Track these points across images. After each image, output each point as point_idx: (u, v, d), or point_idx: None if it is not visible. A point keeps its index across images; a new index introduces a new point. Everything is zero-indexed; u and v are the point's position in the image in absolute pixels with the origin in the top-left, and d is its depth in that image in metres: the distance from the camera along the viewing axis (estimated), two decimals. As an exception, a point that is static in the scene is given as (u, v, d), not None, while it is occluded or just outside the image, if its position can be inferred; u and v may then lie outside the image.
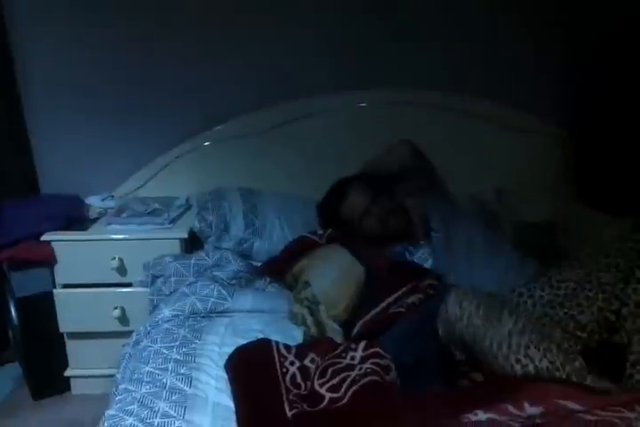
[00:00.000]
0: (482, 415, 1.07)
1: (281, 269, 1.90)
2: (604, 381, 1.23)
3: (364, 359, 1.33)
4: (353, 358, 1.34)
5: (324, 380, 1.29)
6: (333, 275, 1.70)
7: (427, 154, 2.14)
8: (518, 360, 1.24)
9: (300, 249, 1.92)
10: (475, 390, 1.28)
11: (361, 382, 1.25)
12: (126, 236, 2.08)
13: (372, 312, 1.58)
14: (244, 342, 1.47)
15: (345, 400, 1.22)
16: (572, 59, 2.28)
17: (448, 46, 2.31)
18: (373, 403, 1.20)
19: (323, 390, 1.27)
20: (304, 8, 2.27)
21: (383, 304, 1.58)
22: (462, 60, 2.33)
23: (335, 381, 1.28)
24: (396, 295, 1.60)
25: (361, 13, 2.28)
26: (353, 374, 1.29)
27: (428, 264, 1.86)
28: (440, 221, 1.90)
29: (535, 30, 2.27)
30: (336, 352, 1.38)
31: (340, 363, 1.33)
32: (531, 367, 1.23)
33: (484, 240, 1.83)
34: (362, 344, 1.38)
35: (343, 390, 1.25)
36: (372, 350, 1.35)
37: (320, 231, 2.00)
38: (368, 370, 1.29)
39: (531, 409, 1.08)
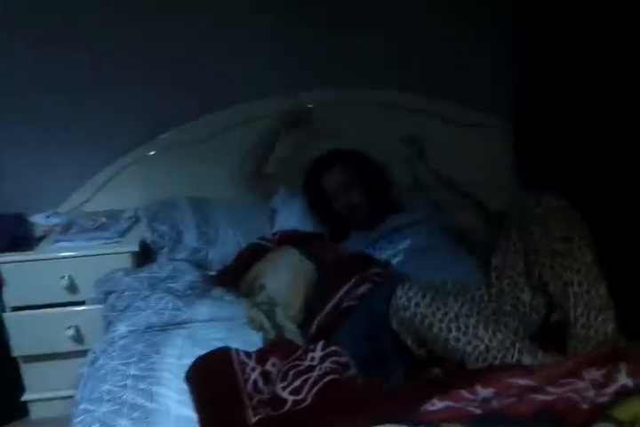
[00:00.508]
0: (438, 404, 1.08)
1: (234, 279, 1.89)
2: (553, 354, 1.28)
3: (323, 359, 1.34)
4: (313, 358, 1.35)
5: (286, 383, 1.30)
6: (286, 276, 1.70)
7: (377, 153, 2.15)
8: (469, 342, 1.27)
9: (251, 256, 1.91)
10: (432, 381, 1.31)
11: (321, 383, 1.26)
12: (75, 253, 2.03)
13: (327, 308, 1.59)
14: (204, 352, 1.46)
15: (307, 402, 1.23)
16: (515, 55, 2.30)
17: (394, 45, 2.32)
18: (335, 402, 1.21)
19: (285, 394, 1.27)
20: (246, 10, 2.24)
21: (335, 299, 1.59)
22: (409, 58, 2.34)
23: (297, 383, 1.28)
24: (346, 288, 1.61)
25: (306, 13, 2.26)
26: (314, 375, 1.29)
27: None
28: (420, 236, 1.89)
29: (479, 27, 2.29)
30: (296, 355, 1.39)
31: (301, 365, 1.34)
32: (482, 347, 1.26)
33: (451, 252, 1.83)
34: (320, 344, 1.39)
35: (305, 391, 1.25)
36: (330, 349, 1.37)
37: (269, 236, 2.00)
38: (327, 369, 1.30)
39: (483, 392, 1.09)
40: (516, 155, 2.30)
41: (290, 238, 1.94)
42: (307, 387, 1.27)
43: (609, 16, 1.90)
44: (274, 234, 2.01)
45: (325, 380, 1.26)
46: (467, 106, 2.39)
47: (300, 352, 1.40)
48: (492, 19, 2.27)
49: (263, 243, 1.98)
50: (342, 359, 1.35)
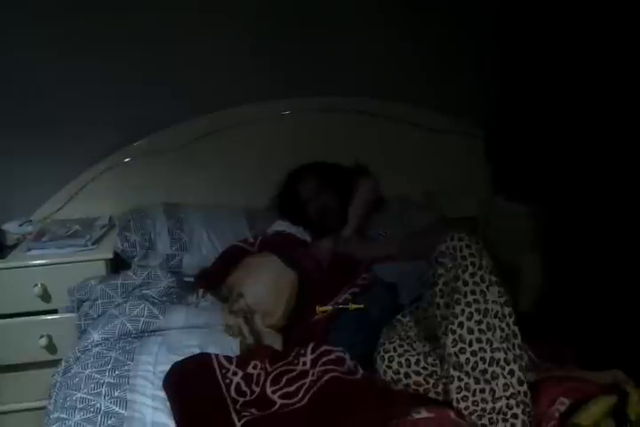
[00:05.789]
0: (424, 413, 1.14)
1: (215, 281, 1.88)
2: None
3: (314, 362, 1.34)
4: (304, 363, 1.36)
5: (278, 387, 1.29)
6: (266, 284, 1.70)
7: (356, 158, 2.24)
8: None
9: (231, 259, 1.90)
10: None
11: (318, 384, 1.26)
12: (47, 261, 2.00)
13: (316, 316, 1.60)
14: (180, 359, 1.45)
15: (302, 404, 1.23)
16: (483, 62, 2.36)
17: (368, 52, 2.33)
18: (331, 402, 1.22)
19: (275, 397, 1.27)
20: (224, 18, 2.22)
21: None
22: (381, 64, 2.36)
23: (291, 389, 1.28)
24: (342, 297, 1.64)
25: (283, 21, 2.26)
26: (307, 380, 1.29)
27: None
28: None
29: (454, 34, 2.32)
30: (288, 359, 1.38)
31: (294, 371, 1.33)
32: None
33: None
34: (310, 347, 1.39)
35: (300, 396, 1.26)
36: (320, 350, 1.37)
37: (251, 239, 2.00)
38: (319, 373, 1.29)
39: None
40: (488, 161, 2.34)
41: (271, 244, 1.94)
42: (302, 392, 1.27)
43: (582, 24, 1.95)
44: (255, 237, 2.00)
45: (323, 380, 1.26)
46: (439, 112, 2.41)
47: (291, 357, 1.39)
48: (468, 24, 2.30)
49: (244, 246, 1.97)
50: (334, 356, 1.35)
